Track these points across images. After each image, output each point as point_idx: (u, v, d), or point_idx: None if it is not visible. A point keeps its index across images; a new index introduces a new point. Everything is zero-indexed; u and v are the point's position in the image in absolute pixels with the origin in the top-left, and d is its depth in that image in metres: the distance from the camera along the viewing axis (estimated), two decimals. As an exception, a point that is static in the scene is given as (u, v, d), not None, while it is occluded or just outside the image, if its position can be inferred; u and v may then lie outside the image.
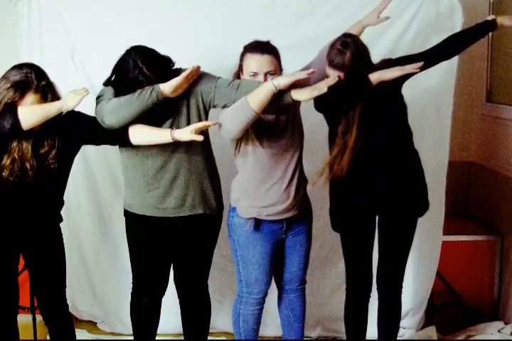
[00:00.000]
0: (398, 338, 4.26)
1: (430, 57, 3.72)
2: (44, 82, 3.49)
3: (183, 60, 3.67)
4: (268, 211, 3.78)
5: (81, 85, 3.65)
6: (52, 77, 3.57)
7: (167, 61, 3.63)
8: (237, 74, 3.78)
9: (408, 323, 4.71)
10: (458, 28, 4.26)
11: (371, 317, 4.00)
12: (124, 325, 4.61)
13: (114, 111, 3.53)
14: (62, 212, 3.82)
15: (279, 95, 3.48)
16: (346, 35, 3.67)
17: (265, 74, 3.66)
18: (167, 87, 3.51)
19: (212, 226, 3.87)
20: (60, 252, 3.78)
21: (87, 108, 3.65)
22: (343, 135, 3.66)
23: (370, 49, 3.69)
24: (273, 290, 4.08)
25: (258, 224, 3.80)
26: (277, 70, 3.71)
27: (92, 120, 3.62)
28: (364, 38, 3.78)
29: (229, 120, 3.55)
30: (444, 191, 4.54)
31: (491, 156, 5.31)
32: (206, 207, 3.78)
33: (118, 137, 3.63)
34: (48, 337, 3.98)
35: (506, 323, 4.90)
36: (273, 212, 3.79)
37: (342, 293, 4.04)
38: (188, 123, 3.64)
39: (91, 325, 4.88)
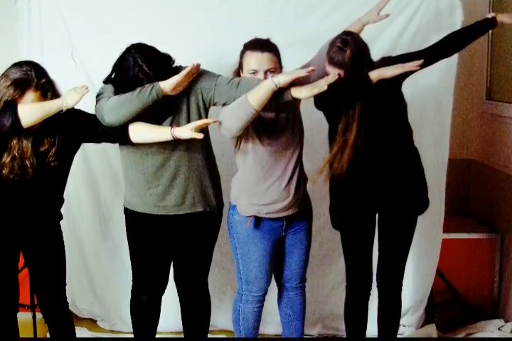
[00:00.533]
0: (398, 336, 4.26)
1: (430, 55, 3.71)
2: (44, 80, 3.49)
3: (183, 58, 3.67)
4: (268, 209, 3.78)
5: (81, 83, 3.64)
6: (52, 74, 3.57)
7: (167, 59, 3.63)
8: (237, 72, 3.78)
9: (408, 321, 4.72)
10: (458, 26, 4.26)
11: (371, 315, 4.00)
12: (124, 322, 4.62)
13: (114, 109, 3.53)
14: (62, 210, 3.82)
15: (279, 93, 3.48)
16: (346, 33, 3.67)
17: (265, 72, 3.66)
18: (167, 85, 3.51)
19: (212, 224, 3.87)
20: (60, 250, 3.78)
21: (87, 106, 3.65)
22: (343, 133, 3.66)
23: (370, 47, 3.69)
24: (273, 288, 4.08)
25: (258, 221, 3.80)
26: (277, 68, 3.71)
27: (92, 118, 3.62)
28: (364, 36, 3.78)
29: (229, 118, 3.55)
30: (444, 189, 4.54)
31: (491, 154, 5.31)
32: (206, 204, 3.78)
33: (118, 135, 3.63)
34: (48, 335, 3.98)
35: (506, 321, 4.90)
36: (273, 210, 3.79)
37: (342, 291, 4.04)
38: (188, 121, 3.63)
39: (91, 322, 4.89)
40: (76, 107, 3.54)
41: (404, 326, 4.70)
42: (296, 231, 3.92)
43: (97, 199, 4.66)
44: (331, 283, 4.70)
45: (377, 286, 3.97)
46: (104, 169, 4.59)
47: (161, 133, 3.58)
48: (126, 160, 3.76)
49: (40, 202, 3.65)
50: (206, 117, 3.70)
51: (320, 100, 3.67)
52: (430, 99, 4.48)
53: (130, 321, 4.04)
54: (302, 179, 3.85)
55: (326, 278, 4.69)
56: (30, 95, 3.47)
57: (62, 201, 3.79)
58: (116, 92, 3.59)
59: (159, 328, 4.04)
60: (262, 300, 3.97)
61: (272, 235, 3.85)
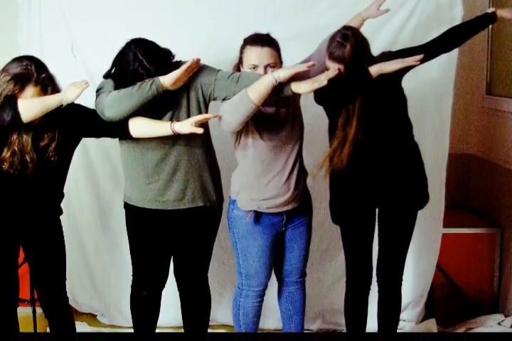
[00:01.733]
0: (398, 331, 4.27)
1: (430, 50, 3.71)
2: (44, 75, 3.48)
3: (183, 53, 3.67)
4: (268, 203, 3.78)
5: (81, 78, 3.64)
6: (52, 69, 3.57)
7: (167, 54, 3.62)
8: (237, 67, 3.78)
9: (408, 316, 4.72)
10: (458, 21, 4.25)
11: (371, 309, 4.00)
12: (124, 317, 4.62)
13: (114, 104, 3.53)
14: (62, 205, 3.82)
15: (279, 88, 3.48)
16: (346, 28, 3.66)
17: (265, 67, 3.66)
18: (167, 80, 3.51)
19: (212, 219, 3.87)
20: (60, 245, 3.78)
21: (87, 101, 3.65)
22: (343, 127, 3.66)
23: (370, 41, 3.69)
24: (273, 283, 4.08)
25: (258, 216, 3.80)
26: (277, 63, 3.70)
27: (92, 113, 3.62)
28: (364, 31, 3.78)
29: (229, 113, 3.55)
30: (444, 183, 4.54)
31: (491, 149, 5.31)
32: (206, 199, 3.78)
33: (118, 130, 3.63)
34: (48, 330, 3.98)
35: (506, 316, 4.89)
36: (273, 205, 3.79)
37: (342, 285, 4.04)
38: (188, 115, 3.63)
39: (91, 317, 4.89)
40: (76, 102, 3.53)
41: (404, 321, 4.69)
42: (296, 226, 3.92)
43: (97, 194, 4.66)
44: (331, 278, 4.70)
45: (377, 281, 3.97)
46: (104, 164, 4.59)
47: (161, 127, 3.58)
48: (126, 155, 3.76)
49: (40, 197, 3.65)
50: (206, 112, 3.70)
51: (320, 95, 3.67)
52: (430, 93, 4.47)
53: (130, 316, 4.04)
54: (302, 174, 3.85)
55: (326, 273, 4.69)
56: (30, 90, 3.46)
57: (62, 196, 3.79)
58: (117, 87, 3.59)
59: (159, 323, 4.04)
60: (262, 294, 3.98)
61: (272, 230, 3.85)
